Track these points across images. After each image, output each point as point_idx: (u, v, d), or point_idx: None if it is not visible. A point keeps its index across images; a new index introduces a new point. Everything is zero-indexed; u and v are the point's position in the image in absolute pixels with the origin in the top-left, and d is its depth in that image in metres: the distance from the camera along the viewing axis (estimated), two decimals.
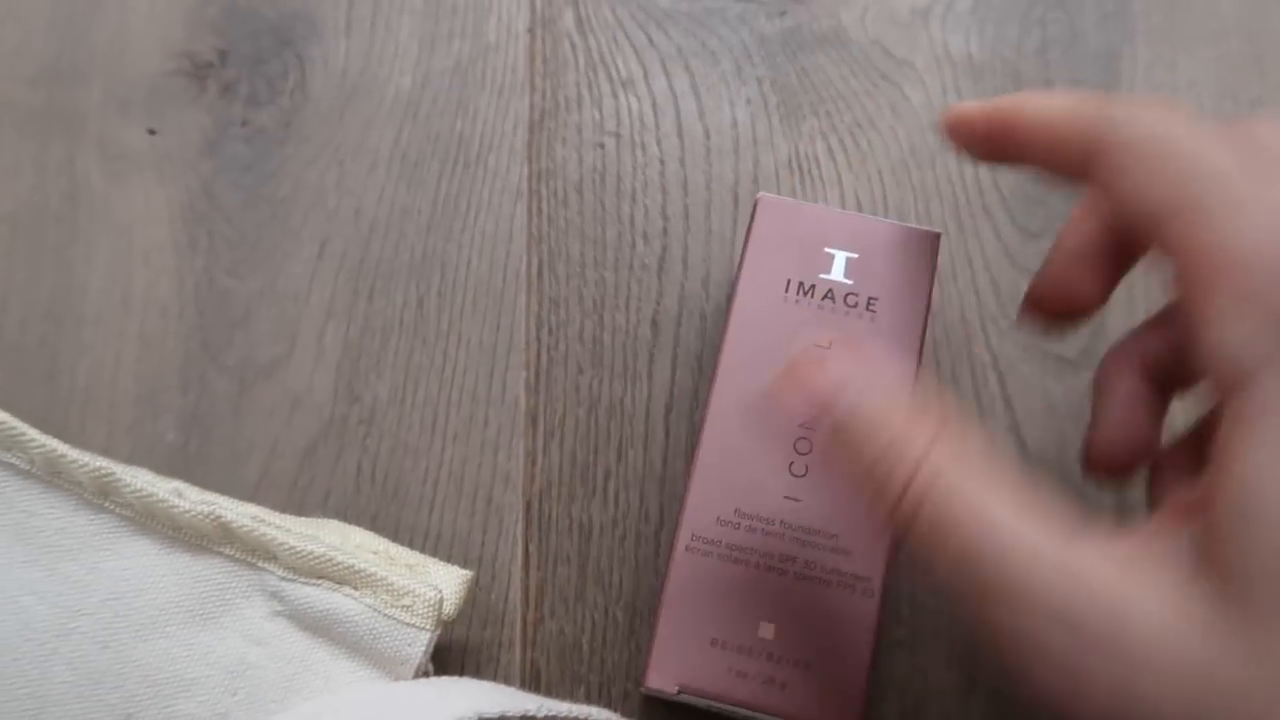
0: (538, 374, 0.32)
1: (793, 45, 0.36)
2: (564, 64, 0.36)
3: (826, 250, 0.26)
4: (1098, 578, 0.17)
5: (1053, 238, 0.33)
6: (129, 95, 0.35)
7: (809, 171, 0.34)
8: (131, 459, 0.30)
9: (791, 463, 0.25)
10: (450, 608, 0.26)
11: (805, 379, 0.21)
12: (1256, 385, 0.16)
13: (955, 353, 0.32)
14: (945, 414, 0.20)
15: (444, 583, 0.27)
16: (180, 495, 0.26)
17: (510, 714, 0.23)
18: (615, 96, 0.35)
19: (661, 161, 0.35)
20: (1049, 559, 0.17)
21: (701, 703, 0.24)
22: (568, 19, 0.36)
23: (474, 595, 0.30)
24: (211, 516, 0.25)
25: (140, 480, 0.25)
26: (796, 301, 0.26)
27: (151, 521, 0.25)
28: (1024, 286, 0.32)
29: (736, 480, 0.25)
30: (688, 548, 0.24)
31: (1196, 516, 0.17)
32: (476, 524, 0.31)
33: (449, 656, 0.29)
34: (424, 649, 0.25)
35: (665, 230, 0.34)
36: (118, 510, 0.25)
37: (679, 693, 0.23)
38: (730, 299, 0.27)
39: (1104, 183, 0.20)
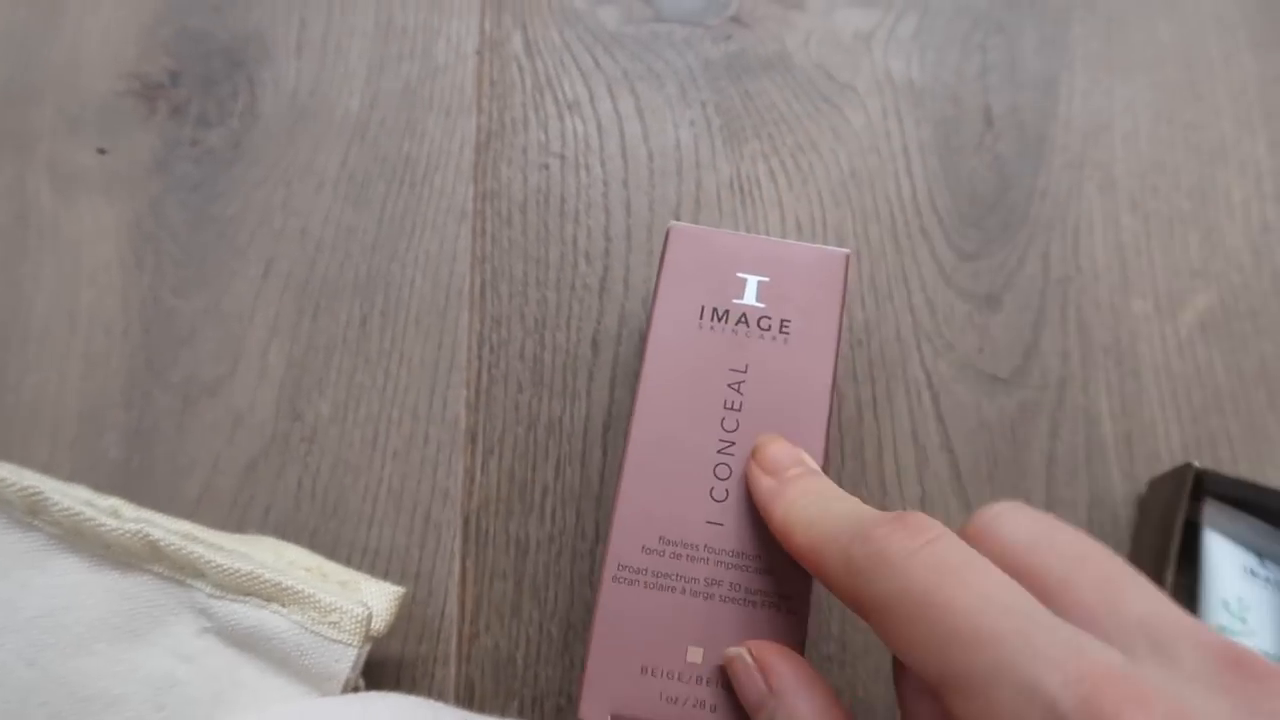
0: (478, 392, 0.33)
1: (737, 69, 0.37)
2: (511, 86, 0.36)
3: (738, 275, 0.27)
4: None
5: (988, 259, 0.34)
6: (80, 115, 0.35)
7: (750, 193, 0.35)
8: (74, 475, 0.31)
9: (712, 488, 0.25)
10: (380, 624, 0.26)
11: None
12: None
13: (890, 371, 0.33)
14: None
15: (374, 599, 0.27)
16: (116, 514, 0.26)
17: None
18: (561, 119, 0.36)
19: (605, 183, 0.35)
20: None
21: None
22: (516, 42, 0.37)
23: (410, 610, 0.30)
24: (140, 535, 0.25)
25: (70, 499, 0.25)
26: (711, 328, 0.26)
27: (80, 540, 0.25)
28: (959, 307, 0.33)
29: (659, 508, 0.25)
30: (615, 578, 0.25)
31: None
32: (415, 540, 0.31)
33: (384, 671, 0.29)
34: (351, 665, 0.25)
35: (607, 251, 0.34)
36: (47, 529, 0.25)
37: None
38: (646, 329, 0.27)
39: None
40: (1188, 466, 0.28)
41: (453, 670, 0.30)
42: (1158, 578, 0.28)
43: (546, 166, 0.35)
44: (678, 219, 0.35)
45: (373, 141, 0.35)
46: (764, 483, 0.24)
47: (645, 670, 0.24)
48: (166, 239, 0.34)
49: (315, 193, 0.35)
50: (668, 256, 0.27)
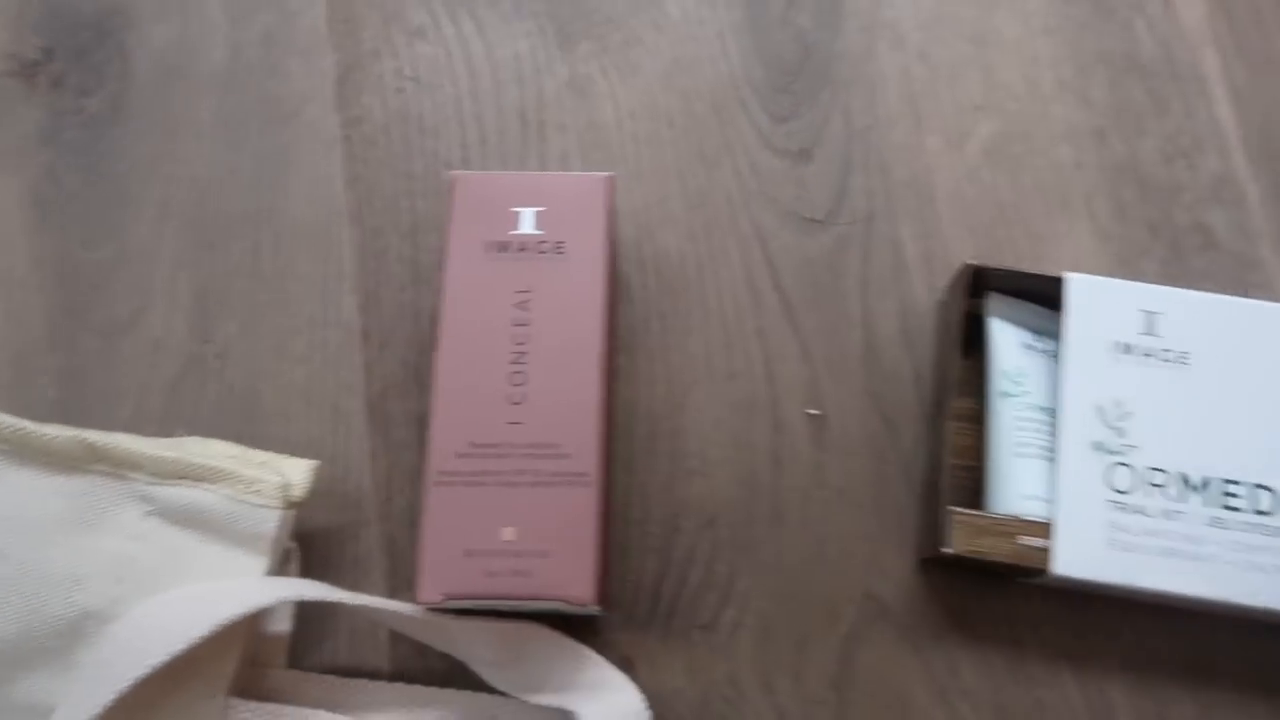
0: (366, 295, 0.37)
1: None
2: (361, 22, 0.40)
3: (515, 209, 0.31)
4: None
5: (798, 120, 0.38)
6: None
7: (585, 90, 0.39)
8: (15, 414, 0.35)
9: (510, 394, 0.30)
10: (298, 491, 0.31)
11: None
12: None
13: (723, 228, 0.38)
14: None
15: (291, 471, 0.31)
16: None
17: (325, 598, 0.29)
18: (410, 45, 0.40)
19: (457, 99, 0.39)
20: None
21: (467, 604, 0.29)
22: None
23: (331, 487, 0.35)
24: (79, 439, 0.30)
25: (12, 419, 0.30)
26: (496, 257, 0.31)
27: (28, 451, 0.30)
28: (777, 165, 0.38)
29: (467, 418, 0.30)
30: (435, 482, 0.29)
31: None
32: (327, 429, 0.35)
33: (315, 539, 0.34)
34: (275, 525, 0.30)
35: (465, 159, 0.38)
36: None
37: (445, 600, 0.28)
38: (441, 268, 0.31)
39: None
40: (967, 267, 0.34)
41: (375, 531, 0.34)
42: (950, 361, 0.34)
43: (402, 90, 0.39)
44: (524, 122, 0.39)
45: (240, 87, 0.39)
46: None
47: (469, 554, 0.29)
48: (65, 200, 0.38)
49: (195, 140, 0.38)
50: (454, 201, 0.31)
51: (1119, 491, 0.31)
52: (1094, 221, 0.38)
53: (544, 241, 0.31)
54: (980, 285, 0.35)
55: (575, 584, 0.29)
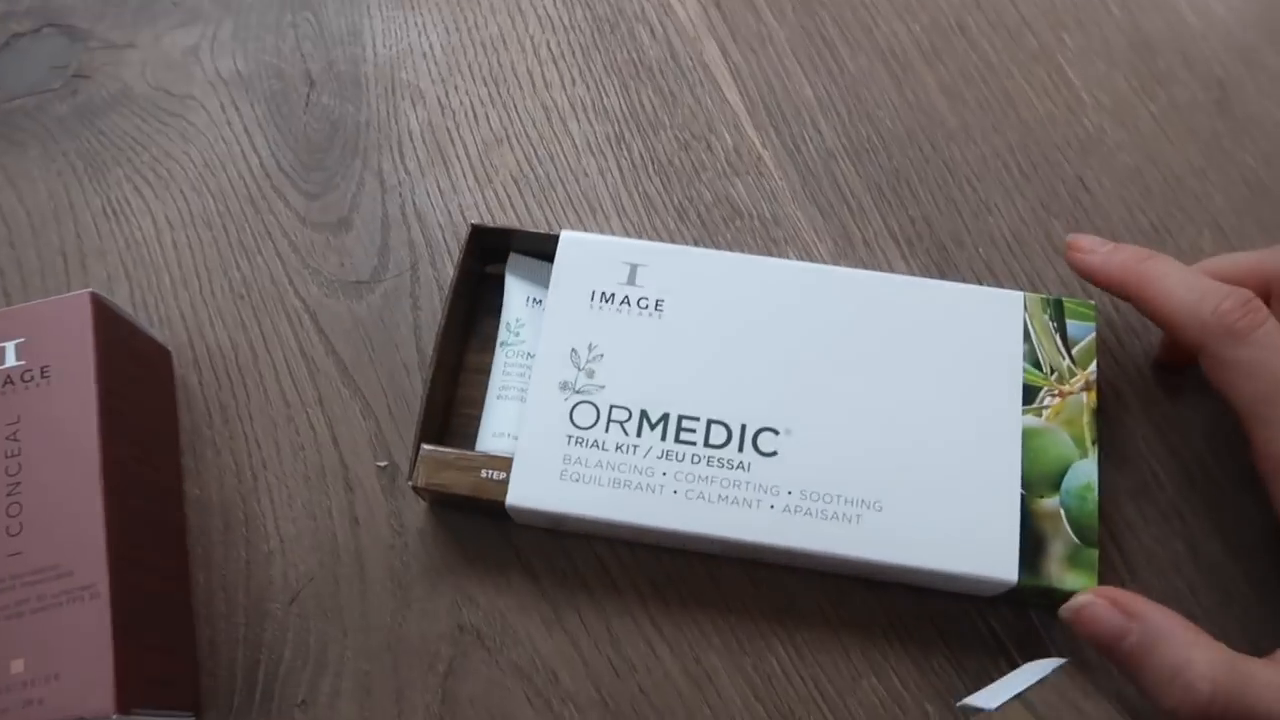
0: None
1: (88, 114, 0.42)
2: None
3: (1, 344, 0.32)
4: None
5: (333, 193, 0.40)
6: None
7: (121, 212, 0.40)
8: None
9: (8, 526, 0.30)
10: None
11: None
12: None
13: (271, 309, 0.38)
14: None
15: None
16: None
17: None
18: None
19: None
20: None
21: None
22: None
23: None
24: None
25: None
26: None
27: None
28: (317, 239, 0.39)
29: None
30: None
31: None
32: None
33: None
34: None
35: (8, 303, 0.38)
36: None
37: None
38: None
39: (1212, 377, 0.30)
40: (471, 227, 0.35)
41: None
42: (452, 312, 0.35)
43: None
44: (65, 259, 0.39)
45: None
46: (1125, 250, 0.32)
47: None
48: None
49: None
50: None
51: (580, 427, 0.32)
52: (625, 218, 0.40)
53: (28, 371, 0.31)
54: (503, 250, 0.37)
55: (91, 698, 0.28)
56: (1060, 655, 0.31)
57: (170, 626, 0.33)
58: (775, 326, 0.33)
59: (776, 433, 0.32)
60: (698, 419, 0.32)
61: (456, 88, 0.42)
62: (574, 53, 0.43)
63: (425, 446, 0.33)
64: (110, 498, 0.30)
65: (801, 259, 0.38)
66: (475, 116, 0.42)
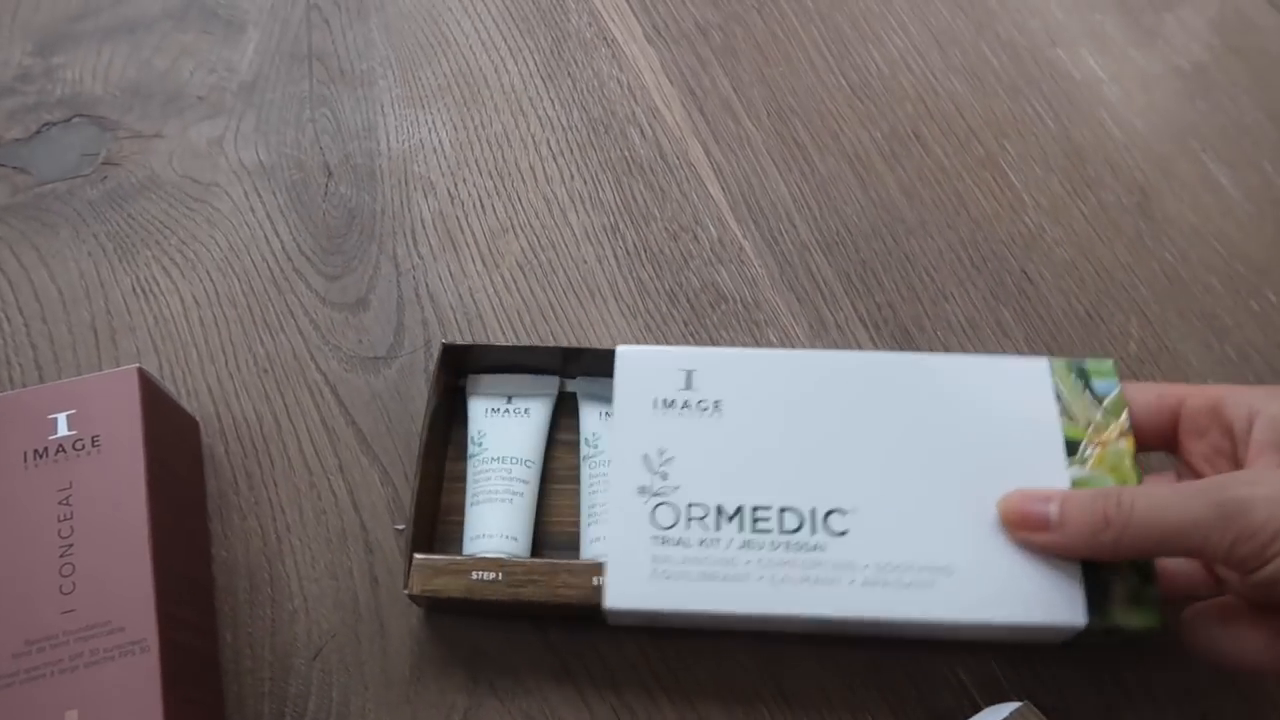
0: None
1: (117, 199, 0.45)
2: None
3: (53, 416, 0.34)
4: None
5: (351, 275, 0.43)
6: None
7: (149, 290, 0.43)
8: None
9: (60, 585, 0.32)
10: None
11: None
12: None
13: (294, 383, 0.41)
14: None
15: None
16: None
17: None
18: None
19: (26, 325, 0.42)
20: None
21: None
22: None
23: None
24: None
25: None
26: (36, 465, 0.34)
27: None
28: (336, 318, 0.42)
29: (18, 619, 0.31)
30: None
31: None
32: None
33: None
34: None
35: (41, 377, 0.41)
36: None
37: None
38: None
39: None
40: (442, 346, 0.38)
41: None
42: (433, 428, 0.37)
43: None
44: (95, 334, 0.42)
45: None
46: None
47: None
48: None
49: None
50: None
51: (663, 527, 0.35)
52: (621, 302, 0.44)
53: (79, 440, 0.34)
54: (468, 365, 0.40)
55: None
56: (1018, 699, 0.35)
57: (203, 681, 0.35)
58: (826, 412, 0.36)
59: (844, 512, 0.34)
60: (770, 508, 0.35)
61: (465, 180, 0.46)
62: (572, 150, 0.47)
63: (418, 556, 0.35)
64: (158, 558, 0.33)
65: (781, 340, 0.43)
66: (482, 206, 0.45)
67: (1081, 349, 0.43)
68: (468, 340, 0.42)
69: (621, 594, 0.34)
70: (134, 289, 0.43)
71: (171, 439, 0.37)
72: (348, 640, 0.37)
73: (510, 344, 0.39)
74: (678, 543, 0.34)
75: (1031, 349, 0.42)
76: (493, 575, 0.34)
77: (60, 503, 0.33)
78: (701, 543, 0.34)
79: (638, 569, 0.34)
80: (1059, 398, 0.36)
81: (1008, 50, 0.51)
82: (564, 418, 0.40)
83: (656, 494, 0.35)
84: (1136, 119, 0.48)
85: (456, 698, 0.36)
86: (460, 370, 0.40)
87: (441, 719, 0.36)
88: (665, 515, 0.35)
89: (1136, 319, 0.43)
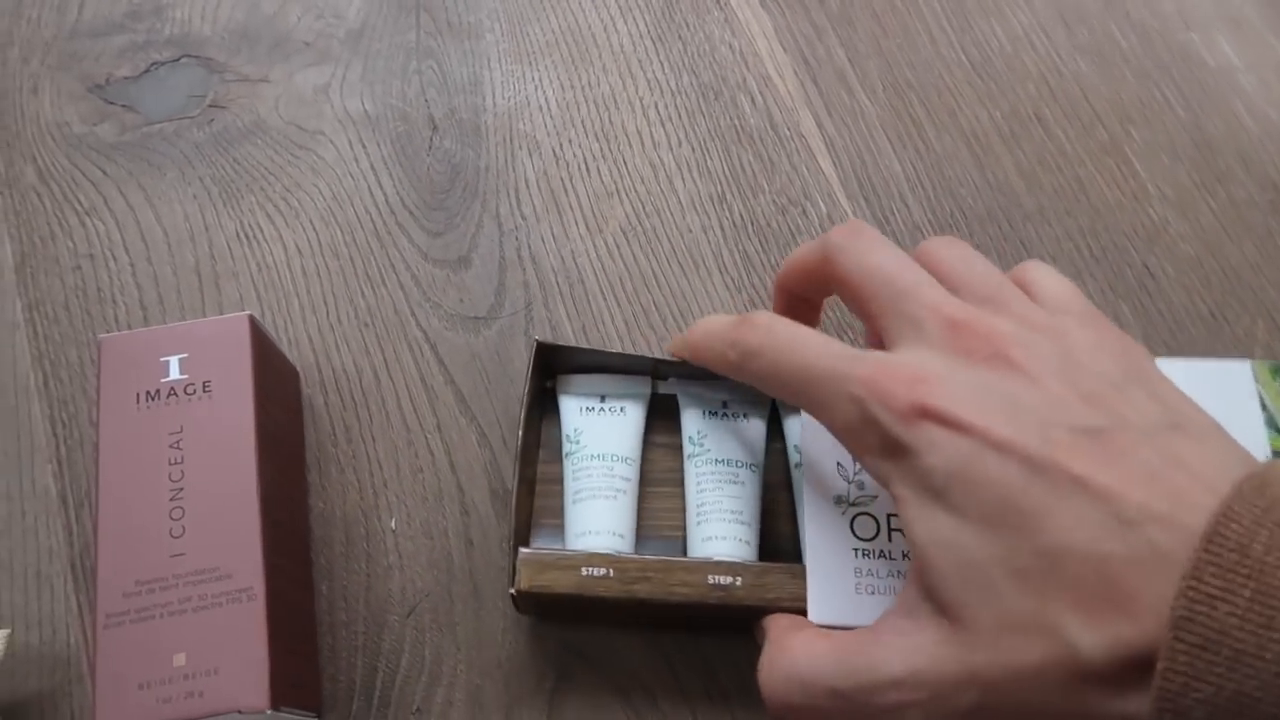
0: (60, 463, 0.39)
1: (223, 143, 0.44)
2: (34, 211, 0.43)
3: (164, 358, 0.34)
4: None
5: (453, 232, 0.42)
6: None
7: (254, 237, 0.43)
8: None
9: (170, 528, 0.32)
10: None
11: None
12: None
13: (394, 338, 0.41)
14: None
15: None
16: None
17: None
18: (84, 224, 0.43)
19: (132, 265, 0.42)
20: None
21: None
22: (30, 175, 0.43)
23: (39, 651, 0.36)
24: None
25: None
26: (148, 407, 0.34)
27: None
28: (438, 274, 0.41)
29: (130, 559, 0.32)
30: (104, 625, 0.31)
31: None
32: (31, 596, 0.37)
33: (28, 707, 0.35)
34: None
35: (146, 318, 0.41)
36: None
37: None
38: (95, 427, 0.34)
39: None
40: (536, 343, 0.36)
41: (88, 686, 0.35)
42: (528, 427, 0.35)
43: (79, 267, 0.42)
44: (199, 276, 0.42)
45: None
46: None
47: (142, 686, 0.30)
48: None
49: None
50: (102, 363, 0.34)
51: (863, 539, 0.33)
52: (725, 275, 0.43)
53: (191, 384, 0.34)
54: (549, 358, 0.38)
55: (247, 693, 0.30)
56: None
57: (301, 632, 0.35)
58: None
59: None
60: None
61: (570, 140, 0.45)
62: (680, 116, 0.46)
63: (524, 550, 0.33)
64: (265, 506, 0.33)
65: None
66: (587, 169, 0.45)
67: (1202, 350, 0.41)
68: (569, 309, 0.42)
69: (825, 611, 0.32)
70: (238, 234, 0.43)
71: (277, 388, 0.37)
72: (441, 600, 0.37)
73: (599, 349, 0.37)
74: (880, 555, 0.32)
75: (1150, 348, 0.41)
76: (604, 571, 0.33)
77: (171, 446, 0.33)
78: (905, 554, 0.32)
79: (842, 582, 0.32)
80: (1264, 405, 0.33)
81: (1138, 32, 0.48)
82: (653, 419, 0.39)
83: (854, 504, 0.33)
84: (1273, 111, 0.46)
85: (547, 667, 0.36)
86: (549, 370, 0.39)
87: (533, 686, 0.36)
88: (865, 526, 0.33)
89: (1264, 322, 0.42)
